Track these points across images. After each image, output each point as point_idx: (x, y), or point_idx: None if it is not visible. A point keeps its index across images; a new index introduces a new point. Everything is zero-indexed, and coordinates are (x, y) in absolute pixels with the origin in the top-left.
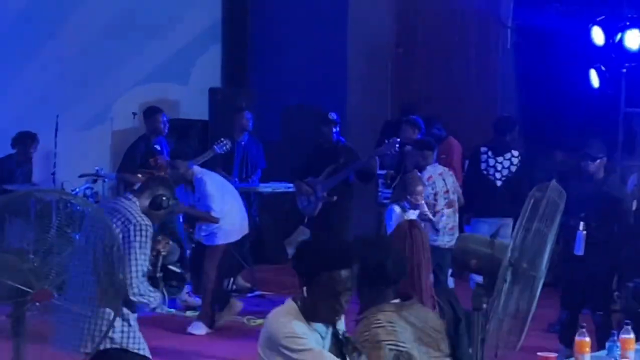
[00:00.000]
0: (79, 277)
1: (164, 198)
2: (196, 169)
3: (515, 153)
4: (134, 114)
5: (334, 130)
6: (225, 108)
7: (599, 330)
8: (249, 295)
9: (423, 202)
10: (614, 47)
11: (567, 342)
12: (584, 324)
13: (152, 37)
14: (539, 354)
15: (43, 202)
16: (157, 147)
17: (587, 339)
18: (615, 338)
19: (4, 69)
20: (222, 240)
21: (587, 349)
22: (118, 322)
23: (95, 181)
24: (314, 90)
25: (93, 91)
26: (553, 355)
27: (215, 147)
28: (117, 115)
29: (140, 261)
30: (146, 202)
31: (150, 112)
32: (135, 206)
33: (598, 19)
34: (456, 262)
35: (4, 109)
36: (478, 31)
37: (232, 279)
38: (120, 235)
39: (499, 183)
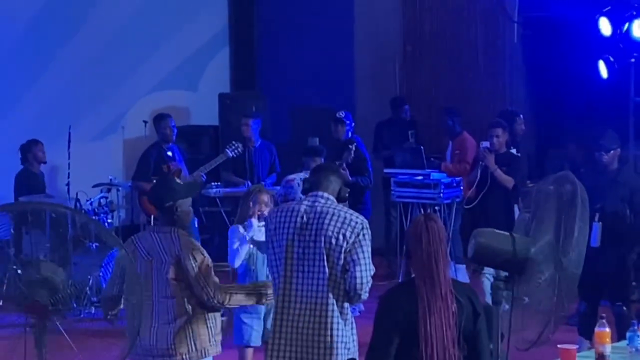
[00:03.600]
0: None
1: (345, 192)
2: None
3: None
4: (145, 122)
5: (344, 128)
6: (235, 112)
7: (618, 320)
8: None
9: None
10: (622, 37)
11: (587, 334)
12: (604, 315)
13: (159, 45)
14: (559, 346)
15: (58, 213)
16: (170, 153)
17: (607, 330)
18: (636, 328)
19: (14, 83)
20: None
21: (608, 340)
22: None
23: (109, 190)
24: (323, 90)
25: (104, 101)
26: (574, 347)
27: (227, 150)
28: (129, 124)
29: (370, 259)
30: (335, 195)
31: (158, 119)
32: (338, 204)
33: (604, 10)
34: (477, 259)
35: (16, 122)
36: (485, 26)
37: None
38: (338, 236)
39: None
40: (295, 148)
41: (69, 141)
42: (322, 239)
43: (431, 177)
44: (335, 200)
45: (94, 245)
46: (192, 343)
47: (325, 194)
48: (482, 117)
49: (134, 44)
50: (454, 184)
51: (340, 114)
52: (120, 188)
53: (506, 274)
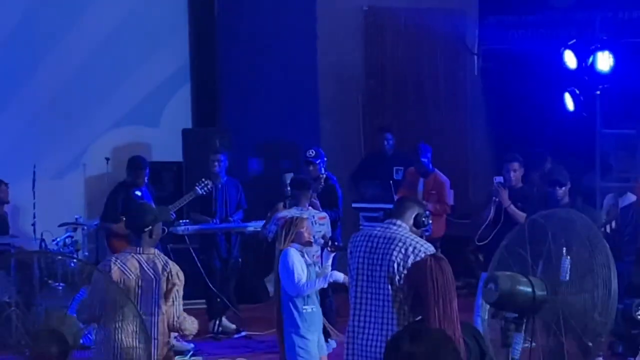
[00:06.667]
0: None
1: (424, 218)
2: None
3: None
4: (107, 159)
5: (316, 167)
6: (199, 148)
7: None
8: (235, 336)
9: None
10: (587, 70)
11: None
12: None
13: (120, 81)
14: None
15: (23, 254)
16: (138, 193)
17: None
18: None
19: None
20: None
21: None
22: None
23: (75, 229)
24: (286, 125)
25: (65, 139)
26: None
27: (197, 188)
28: (90, 162)
29: None
30: (410, 223)
31: (136, 166)
32: (409, 232)
33: (569, 43)
34: (499, 305)
35: None
36: (445, 59)
37: (217, 321)
38: (400, 262)
39: None
40: (260, 183)
41: (34, 180)
42: (387, 262)
43: None
44: (408, 227)
45: (60, 286)
46: None
47: (399, 221)
48: (443, 150)
49: (94, 81)
50: None
51: (310, 153)
52: (85, 227)
53: (515, 315)
